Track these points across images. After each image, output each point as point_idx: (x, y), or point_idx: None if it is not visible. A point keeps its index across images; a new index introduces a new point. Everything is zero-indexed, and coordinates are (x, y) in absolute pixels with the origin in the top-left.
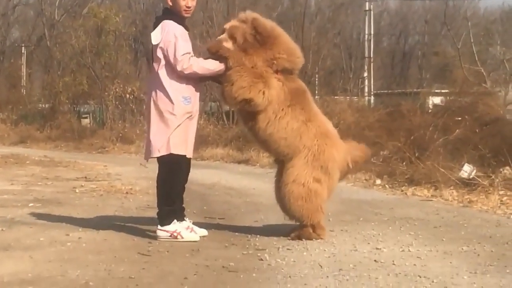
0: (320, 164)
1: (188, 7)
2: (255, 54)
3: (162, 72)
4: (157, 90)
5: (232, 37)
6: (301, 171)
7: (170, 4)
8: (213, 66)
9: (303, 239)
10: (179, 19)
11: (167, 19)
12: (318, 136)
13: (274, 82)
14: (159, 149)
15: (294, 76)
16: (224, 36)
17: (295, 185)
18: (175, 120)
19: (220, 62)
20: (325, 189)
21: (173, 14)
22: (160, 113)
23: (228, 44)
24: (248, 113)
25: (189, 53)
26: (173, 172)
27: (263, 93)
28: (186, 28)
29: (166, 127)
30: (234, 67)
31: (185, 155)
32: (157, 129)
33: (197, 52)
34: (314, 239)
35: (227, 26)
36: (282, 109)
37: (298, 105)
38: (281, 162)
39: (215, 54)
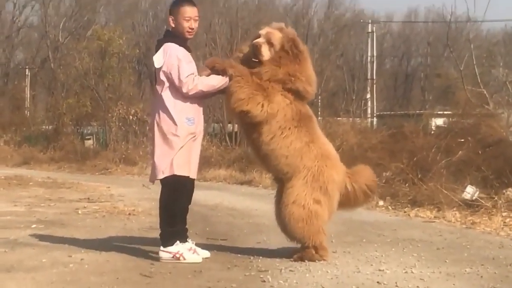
0: (320, 185)
1: (191, 29)
2: (283, 65)
3: (166, 94)
4: (161, 112)
5: (269, 42)
6: (301, 192)
7: (173, 25)
8: (217, 81)
9: (306, 261)
10: (181, 41)
11: (169, 41)
12: (318, 157)
13: (278, 97)
14: (163, 171)
15: (304, 102)
16: (261, 39)
17: (295, 207)
18: (179, 142)
19: (223, 76)
20: (326, 210)
21: (175, 36)
22: (163, 135)
23: (265, 48)
24: (252, 125)
25: (193, 74)
26: (176, 193)
27: (262, 105)
28: (188, 49)
29: (170, 149)
30: (234, 78)
31: (189, 176)
32: (161, 152)
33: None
34: (317, 261)
35: (263, 31)
36: (289, 128)
37: (304, 127)
38: (281, 182)
39: (212, 69)
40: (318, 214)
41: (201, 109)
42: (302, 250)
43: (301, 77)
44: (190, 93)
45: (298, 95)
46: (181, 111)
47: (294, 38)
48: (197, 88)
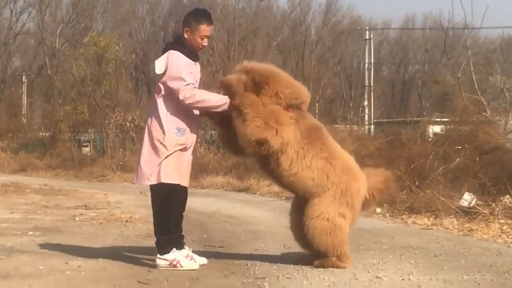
0: (347, 201)
1: (203, 46)
2: (260, 96)
3: (160, 101)
4: (153, 118)
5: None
6: (328, 208)
7: (186, 37)
8: (216, 99)
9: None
10: (189, 51)
11: (176, 49)
12: (344, 172)
13: (287, 119)
14: (149, 178)
15: (306, 112)
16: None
17: (319, 221)
18: (165, 151)
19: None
20: (349, 223)
21: (184, 45)
22: (152, 140)
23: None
24: (268, 156)
25: (193, 84)
26: (166, 201)
27: (276, 131)
28: (196, 58)
29: (156, 156)
30: (245, 107)
31: (179, 184)
32: (148, 156)
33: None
34: (340, 268)
35: (225, 80)
36: (302, 148)
37: (317, 141)
38: (301, 198)
39: (226, 88)
40: (342, 228)
41: (195, 121)
42: (324, 258)
43: (286, 90)
44: (186, 102)
45: (296, 107)
46: (172, 120)
47: (253, 72)
48: (194, 98)
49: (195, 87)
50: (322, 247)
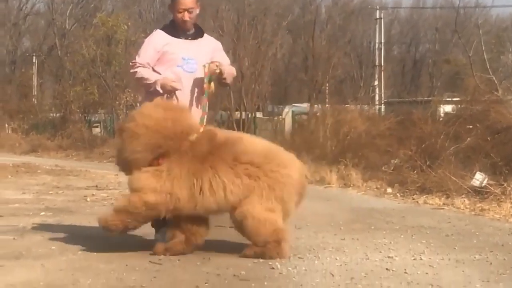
0: (275, 194)
1: (184, 21)
2: None
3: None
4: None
5: None
6: (253, 208)
7: (171, 15)
8: (150, 76)
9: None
10: (173, 29)
11: (163, 28)
12: (268, 164)
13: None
14: None
15: (207, 133)
16: None
17: (246, 220)
18: None
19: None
20: (281, 214)
21: (170, 24)
22: None
23: None
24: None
25: (145, 62)
26: None
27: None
28: (181, 35)
29: None
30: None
31: None
32: None
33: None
34: (265, 258)
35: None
36: (201, 177)
37: (226, 155)
38: None
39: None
40: (271, 221)
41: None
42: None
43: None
44: (131, 76)
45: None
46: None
47: None
48: (135, 74)
49: (141, 64)
50: (252, 240)
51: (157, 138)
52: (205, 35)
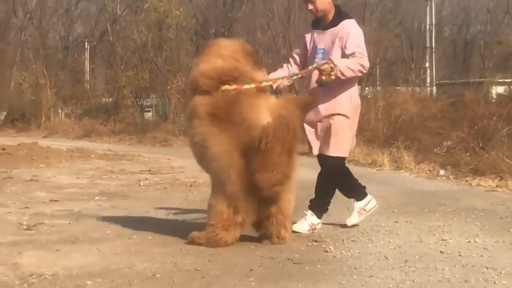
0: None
1: (311, 11)
2: None
3: None
4: None
5: None
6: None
7: None
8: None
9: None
10: (315, 20)
11: (312, 20)
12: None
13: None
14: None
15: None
16: None
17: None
18: None
19: None
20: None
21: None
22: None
23: None
24: None
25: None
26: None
27: None
28: (316, 25)
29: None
30: None
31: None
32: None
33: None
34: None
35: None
36: None
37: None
38: None
39: None
40: (212, 206)
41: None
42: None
43: None
44: None
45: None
46: None
47: None
48: None
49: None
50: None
51: None
52: (344, 22)
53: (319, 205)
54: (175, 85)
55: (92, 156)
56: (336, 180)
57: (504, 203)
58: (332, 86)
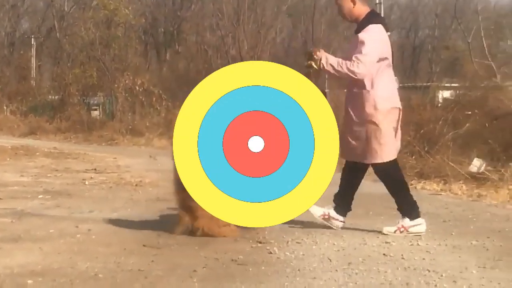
0: None
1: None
2: None
3: None
4: None
5: None
6: None
7: None
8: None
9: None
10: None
11: None
12: None
13: None
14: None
15: None
16: None
17: None
18: None
19: None
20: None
21: None
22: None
23: None
24: None
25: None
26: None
27: None
28: (355, 31)
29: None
30: None
31: None
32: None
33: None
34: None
35: None
36: None
37: None
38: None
39: None
40: None
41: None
42: None
43: None
44: None
45: None
46: None
47: None
48: None
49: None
50: None
51: None
52: (368, 27)
53: (406, 206)
54: (123, 84)
55: (37, 154)
56: (394, 178)
57: (447, 207)
58: (354, 95)
